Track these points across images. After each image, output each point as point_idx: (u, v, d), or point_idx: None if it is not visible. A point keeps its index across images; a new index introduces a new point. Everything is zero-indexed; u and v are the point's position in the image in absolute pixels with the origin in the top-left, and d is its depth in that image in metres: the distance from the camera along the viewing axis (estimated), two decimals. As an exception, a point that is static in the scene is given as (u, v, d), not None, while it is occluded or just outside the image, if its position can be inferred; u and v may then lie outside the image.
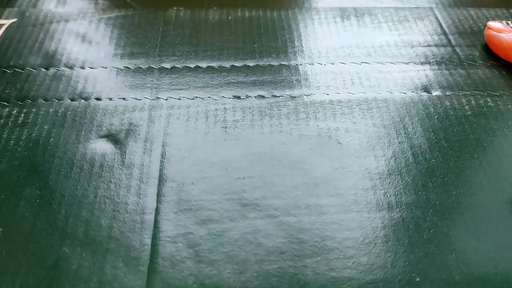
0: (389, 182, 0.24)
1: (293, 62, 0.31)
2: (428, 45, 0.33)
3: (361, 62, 0.31)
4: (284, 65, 0.30)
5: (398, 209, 0.23)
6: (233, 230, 0.22)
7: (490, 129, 0.27)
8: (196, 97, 0.28)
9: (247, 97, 0.28)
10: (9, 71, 0.29)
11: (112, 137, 0.25)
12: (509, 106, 0.28)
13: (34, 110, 0.27)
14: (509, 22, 0.34)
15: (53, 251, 0.20)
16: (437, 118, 0.27)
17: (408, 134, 0.26)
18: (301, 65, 0.30)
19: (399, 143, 0.26)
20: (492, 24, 0.32)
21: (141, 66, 0.30)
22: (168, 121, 0.26)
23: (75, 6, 0.35)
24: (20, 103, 0.27)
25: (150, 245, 0.21)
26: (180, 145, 0.25)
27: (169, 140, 0.25)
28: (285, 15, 0.35)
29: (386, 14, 0.35)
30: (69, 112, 0.27)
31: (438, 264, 0.21)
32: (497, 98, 0.29)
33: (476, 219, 0.22)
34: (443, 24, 0.34)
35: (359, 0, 0.37)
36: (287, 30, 0.33)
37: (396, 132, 0.26)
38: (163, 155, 0.25)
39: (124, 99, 0.28)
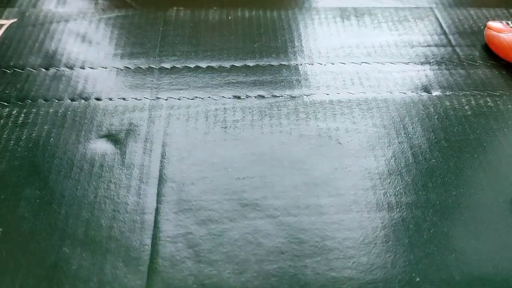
0: (389, 182, 0.24)
1: (293, 62, 0.31)
2: (428, 45, 0.33)
3: (361, 62, 0.31)
4: (284, 65, 0.30)
5: (398, 209, 0.23)
6: (233, 230, 0.22)
7: (490, 129, 0.27)
8: (196, 97, 0.28)
9: (247, 97, 0.28)
10: (9, 71, 0.29)
11: (112, 137, 0.25)
12: (509, 106, 0.28)
13: (34, 110, 0.27)
14: (509, 22, 0.34)
15: (53, 251, 0.20)
16: (437, 118, 0.27)
17: (408, 134, 0.26)
18: (301, 65, 0.30)
19: (399, 143, 0.26)
20: (492, 24, 0.32)
21: (141, 66, 0.30)
22: (168, 121, 0.26)
23: (75, 6, 0.35)
24: (20, 103, 0.27)
25: (150, 245, 0.21)
26: (180, 145, 0.25)
27: (169, 140, 0.25)
28: (285, 15, 0.35)
29: (386, 14, 0.35)
30: (69, 112, 0.27)
31: (438, 264, 0.21)
32: (497, 98, 0.29)
33: (476, 219, 0.22)
34: (443, 24, 0.34)
35: (359, 0, 0.37)
36: (287, 30, 0.33)
37: (396, 132, 0.26)
38: (163, 155, 0.25)
39: (124, 99, 0.28)
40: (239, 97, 0.28)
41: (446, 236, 0.22)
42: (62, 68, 0.30)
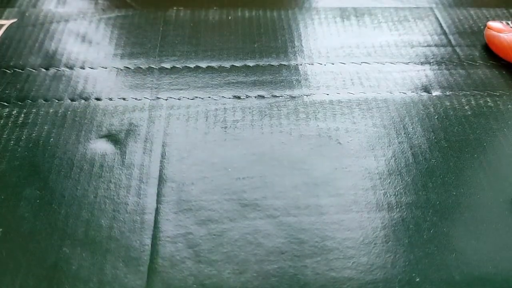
0: (389, 182, 0.24)
1: (293, 62, 0.31)
2: (428, 45, 0.33)
3: (361, 62, 0.31)
4: (284, 65, 0.30)
5: (398, 209, 0.23)
6: (233, 230, 0.22)
7: (490, 129, 0.27)
8: (196, 97, 0.28)
9: (247, 97, 0.28)
10: (9, 71, 0.29)
11: (112, 137, 0.25)
12: (509, 106, 0.28)
13: (34, 110, 0.27)
14: (509, 22, 0.34)
15: (53, 251, 0.20)
16: (437, 118, 0.27)
17: (408, 134, 0.26)
18: (301, 65, 0.30)
19: (399, 143, 0.26)
20: (492, 24, 0.32)
21: (141, 66, 0.30)
22: (168, 121, 0.26)
23: (75, 6, 0.35)
24: (20, 103, 0.27)
25: (150, 245, 0.21)
26: (180, 145, 0.25)
27: (169, 140, 0.25)
28: (285, 15, 0.35)
29: (386, 14, 0.35)
30: (69, 112, 0.27)
31: (438, 264, 0.21)
32: (497, 98, 0.29)
33: (476, 219, 0.22)
34: (443, 24, 0.34)
35: (359, 0, 0.37)
36: (287, 30, 0.33)
37: (396, 132, 0.26)
38: (163, 155, 0.25)
39: (124, 99, 0.28)
40: (239, 97, 0.28)
41: (446, 236, 0.22)
42: (62, 68, 0.30)
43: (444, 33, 0.34)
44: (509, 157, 0.25)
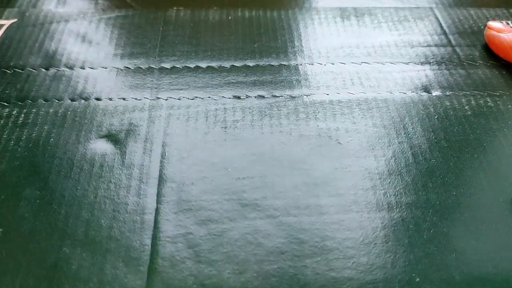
0: (389, 182, 0.24)
1: (293, 62, 0.31)
2: (428, 45, 0.33)
3: (361, 62, 0.31)
4: (284, 65, 0.30)
5: (398, 209, 0.23)
6: (233, 230, 0.22)
7: (490, 129, 0.27)
8: (196, 97, 0.28)
9: (247, 97, 0.28)
10: (9, 72, 0.29)
11: (112, 137, 0.25)
12: (509, 106, 0.28)
13: (34, 110, 0.27)
14: (509, 22, 0.34)
15: (53, 251, 0.20)
16: (437, 118, 0.27)
17: (408, 134, 0.26)
18: (301, 65, 0.30)
19: (399, 143, 0.26)
20: (492, 24, 0.32)
21: (141, 66, 0.30)
22: (168, 121, 0.26)
23: (75, 6, 0.35)
24: (20, 103, 0.27)
25: (150, 245, 0.21)
26: (180, 145, 0.25)
27: (169, 140, 0.25)
28: (285, 15, 0.35)
29: (386, 14, 0.35)
30: (69, 113, 0.27)
31: (438, 264, 0.21)
32: (497, 98, 0.29)
33: (476, 219, 0.22)
34: (443, 24, 0.34)
35: (359, 0, 0.37)
36: (287, 30, 0.33)
37: (396, 132, 0.26)
38: (163, 155, 0.25)
39: (124, 99, 0.28)
40: (239, 97, 0.28)
41: (446, 236, 0.22)
42: (62, 68, 0.30)
43: (444, 33, 0.34)
44: (509, 157, 0.25)
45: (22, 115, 0.26)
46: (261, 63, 0.31)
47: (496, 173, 0.24)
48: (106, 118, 0.26)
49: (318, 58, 0.31)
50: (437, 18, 0.35)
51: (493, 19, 0.35)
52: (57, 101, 0.27)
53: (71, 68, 0.30)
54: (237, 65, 0.30)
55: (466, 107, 0.28)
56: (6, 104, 0.27)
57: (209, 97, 0.28)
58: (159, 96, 0.28)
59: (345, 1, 0.36)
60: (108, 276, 0.20)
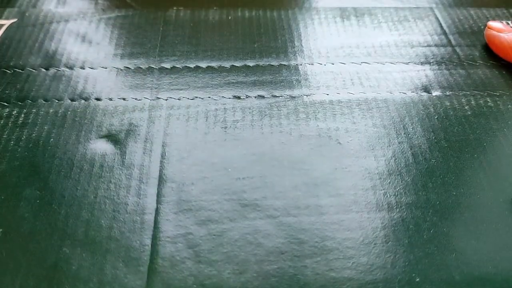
0: (389, 182, 0.24)
1: (293, 62, 0.31)
2: (428, 45, 0.33)
3: (361, 62, 0.31)
4: (284, 65, 0.30)
5: (398, 210, 0.23)
6: (233, 230, 0.22)
7: (490, 129, 0.27)
8: (196, 97, 0.28)
9: (247, 97, 0.28)
10: (9, 72, 0.29)
11: (112, 138, 0.25)
12: (509, 106, 0.28)
13: (34, 110, 0.27)
14: (509, 22, 0.34)
15: (53, 251, 0.20)
16: (437, 118, 0.27)
17: (408, 134, 0.26)
18: (301, 65, 0.30)
19: (399, 143, 0.26)
20: (493, 24, 0.32)
21: (141, 66, 0.30)
22: (168, 122, 0.26)
23: (75, 6, 0.35)
24: (20, 103, 0.27)
25: (150, 246, 0.21)
26: (180, 145, 0.25)
27: (169, 141, 0.25)
28: (285, 15, 0.35)
29: (386, 14, 0.35)
30: (69, 113, 0.27)
31: (438, 264, 0.21)
32: (497, 98, 0.29)
33: (476, 219, 0.22)
34: (443, 24, 0.34)
35: (359, 0, 0.37)
36: (287, 30, 0.33)
37: (396, 132, 0.26)
38: (163, 156, 0.25)
39: (124, 99, 0.28)
40: (239, 97, 0.28)
41: (446, 236, 0.22)
42: (62, 68, 0.30)
43: (444, 33, 0.34)
44: (509, 157, 0.25)
45: (22, 115, 0.26)
46: (261, 63, 0.31)
47: (496, 173, 0.24)
48: (106, 118, 0.26)
49: (318, 58, 0.31)
50: (437, 18, 0.35)
51: (493, 19, 0.35)
52: (57, 101, 0.27)
53: (71, 68, 0.30)
54: (237, 65, 0.30)
55: (466, 107, 0.28)
56: (6, 104, 0.27)
57: (209, 97, 0.28)
58: (159, 96, 0.28)
59: (345, 1, 0.36)
60: (108, 276, 0.20)
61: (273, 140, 0.26)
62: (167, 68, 0.30)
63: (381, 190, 0.23)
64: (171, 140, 0.25)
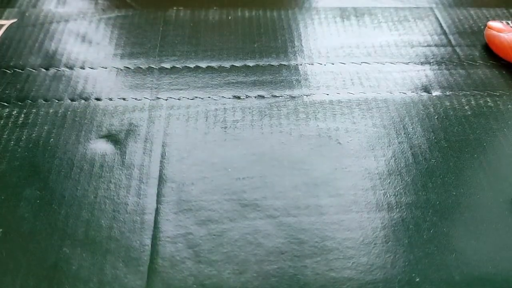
0: (389, 183, 0.24)
1: (293, 62, 0.31)
2: (428, 45, 0.33)
3: (361, 62, 0.31)
4: (284, 65, 0.30)
5: (398, 210, 0.23)
6: (233, 230, 0.22)
7: (490, 129, 0.27)
8: (196, 97, 0.28)
9: (247, 97, 0.28)
10: (9, 72, 0.29)
11: (112, 138, 0.25)
12: (509, 106, 0.28)
13: (34, 110, 0.27)
14: (509, 22, 0.34)
15: (53, 251, 0.20)
16: (437, 118, 0.27)
17: (408, 134, 0.26)
18: (301, 65, 0.30)
19: (399, 143, 0.26)
20: (493, 24, 0.32)
21: (141, 66, 0.30)
22: (168, 122, 0.26)
23: (75, 6, 0.35)
24: (20, 103, 0.27)
25: (150, 246, 0.21)
26: (180, 145, 0.25)
27: (169, 141, 0.25)
28: (285, 15, 0.35)
29: (386, 14, 0.35)
30: (69, 113, 0.27)
31: (438, 264, 0.21)
32: (497, 98, 0.29)
33: (476, 219, 0.22)
34: (443, 24, 0.34)
35: (359, 0, 0.37)
36: (287, 30, 0.33)
37: (396, 132, 0.26)
38: (163, 156, 0.25)
39: (124, 99, 0.28)
40: (239, 97, 0.28)
41: (446, 236, 0.22)
42: (62, 68, 0.30)
43: (444, 33, 0.34)
44: (509, 157, 0.25)
45: (22, 115, 0.26)
46: (261, 63, 0.31)
47: (496, 173, 0.24)
48: (106, 118, 0.26)
49: (318, 58, 0.31)
50: (437, 18, 0.35)
51: (493, 19, 0.35)
52: (57, 101, 0.27)
53: (71, 68, 0.30)
54: (237, 65, 0.30)
55: (466, 107, 0.28)
56: (6, 104, 0.27)
57: (209, 97, 0.28)
58: (159, 96, 0.28)
59: (345, 1, 0.36)
60: (108, 276, 0.20)
61: (273, 140, 0.26)
62: (167, 68, 0.30)
63: (381, 190, 0.23)
64: (171, 140, 0.25)
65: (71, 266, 0.20)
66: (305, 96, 0.28)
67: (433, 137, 0.26)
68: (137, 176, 0.24)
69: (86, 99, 0.28)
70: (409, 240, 0.21)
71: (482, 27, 0.34)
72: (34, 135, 0.25)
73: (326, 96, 0.28)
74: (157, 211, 0.22)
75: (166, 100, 0.28)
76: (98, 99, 0.27)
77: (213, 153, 0.25)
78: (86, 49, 0.31)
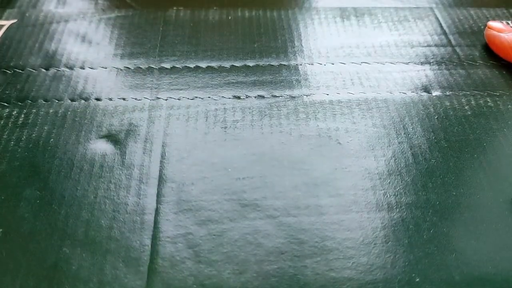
0: (389, 183, 0.24)
1: (293, 62, 0.31)
2: (428, 45, 0.33)
3: (361, 62, 0.31)
4: (284, 65, 0.30)
5: (398, 210, 0.23)
6: (233, 230, 0.22)
7: (490, 129, 0.27)
8: (196, 97, 0.28)
9: (247, 97, 0.28)
10: (9, 72, 0.29)
11: (112, 138, 0.25)
12: (509, 106, 0.28)
13: (34, 110, 0.27)
14: (509, 22, 0.34)
15: (53, 251, 0.20)
16: (437, 118, 0.27)
17: (408, 134, 0.26)
18: (301, 65, 0.30)
19: (399, 143, 0.26)
20: (493, 24, 0.32)
21: (141, 66, 0.30)
22: (168, 122, 0.26)
23: (75, 6, 0.35)
24: (20, 103, 0.27)
25: (150, 246, 0.21)
26: (180, 145, 0.25)
27: (169, 141, 0.25)
28: (285, 15, 0.35)
29: (386, 14, 0.35)
30: (69, 113, 0.27)
31: (438, 264, 0.21)
32: (497, 98, 0.29)
33: (476, 219, 0.22)
34: (443, 24, 0.34)
35: (359, 0, 0.37)
36: (287, 30, 0.33)
37: (396, 132, 0.26)
38: (163, 156, 0.25)
39: (124, 99, 0.28)
40: (239, 97, 0.28)
41: (446, 236, 0.22)
42: (62, 68, 0.30)
43: (444, 33, 0.34)
44: (509, 157, 0.25)
45: (22, 116, 0.26)
46: (261, 63, 0.31)
47: (496, 173, 0.24)
48: (106, 118, 0.26)
49: (318, 58, 0.31)
50: (437, 18, 0.35)
51: (493, 19, 0.35)
52: (57, 101, 0.27)
53: (71, 68, 0.30)
54: (237, 65, 0.30)
55: (466, 107, 0.28)
56: (6, 104, 0.27)
57: (209, 97, 0.28)
58: (159, 96, 0.28)
59: (345, 1, 0.36)
60: (108, 276, 0.20)
61: (273, 140, 0.26)
62: (167, 68, 0.30)
63: (381, 190, 0.23)
64: (171, 140, 0.25)
65: (71, 266, 0.20)
66: (305, 96, 0.28)
67: (433, 137, 0.26)
68: (137, 176, 0.24)
69: (86, 99, 0.28)
70: (409, 240, 0.21)
71: (482, 27, 0.34)
72: (34, 135, 0.25)
73: (326, 96, 0.28)
74: (157, 211, 0.22)
75: (166, 100, 0.28)
76: (98, 99, 0.28)
77: (213, 153, 0.25)
78: (86, 49, 0.31)
